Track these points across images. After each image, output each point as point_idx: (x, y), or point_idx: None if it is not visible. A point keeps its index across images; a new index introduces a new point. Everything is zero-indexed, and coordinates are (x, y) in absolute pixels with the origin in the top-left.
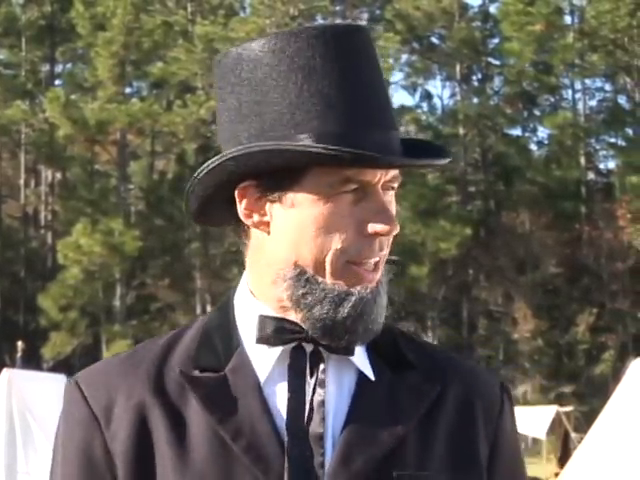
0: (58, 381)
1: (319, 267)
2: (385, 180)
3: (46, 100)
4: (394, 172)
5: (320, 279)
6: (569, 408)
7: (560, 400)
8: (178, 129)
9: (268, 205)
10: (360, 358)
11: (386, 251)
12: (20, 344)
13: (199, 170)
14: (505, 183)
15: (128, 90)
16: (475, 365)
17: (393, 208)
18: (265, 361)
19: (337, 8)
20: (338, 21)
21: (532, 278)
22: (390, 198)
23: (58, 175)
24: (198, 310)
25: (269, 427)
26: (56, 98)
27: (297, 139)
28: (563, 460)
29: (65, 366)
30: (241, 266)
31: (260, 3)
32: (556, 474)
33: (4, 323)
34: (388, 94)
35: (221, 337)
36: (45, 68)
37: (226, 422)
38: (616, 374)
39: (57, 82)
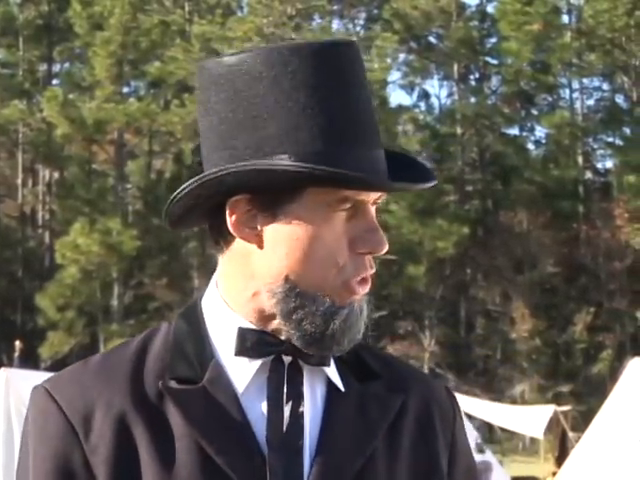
0: None
1: (311, 282)
2: (375, 198)
3: (44, 99)
4: (381, 193)
5: (311, 293)
6: (567, 407)
7: (558, 399)
8: (176, 129)
9: (260, 219)
10: (331, 369)
11: (373, 267)
12: (18, 343)
13: (193, 180)
14: (503, 182)
15: (126, 90)
16: (424, 373)
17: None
18: (243, 373)
19: (335, 7)
20: (335, 21)
21: (530, 277)
22: (374, 213)
23: (56, 174)
24: None
25: (250, 439)
26: (54, 97)
27: (298, 157)
28: (560, 459)
29: (63, 365)
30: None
31: (257, 2)
32: (553, 473)
33: (2, 322)
34: (374, 111)
35: (194, 347)
36: (43, 67)
37: (207, 435)
38: (614, 373)
39: (55, 81)
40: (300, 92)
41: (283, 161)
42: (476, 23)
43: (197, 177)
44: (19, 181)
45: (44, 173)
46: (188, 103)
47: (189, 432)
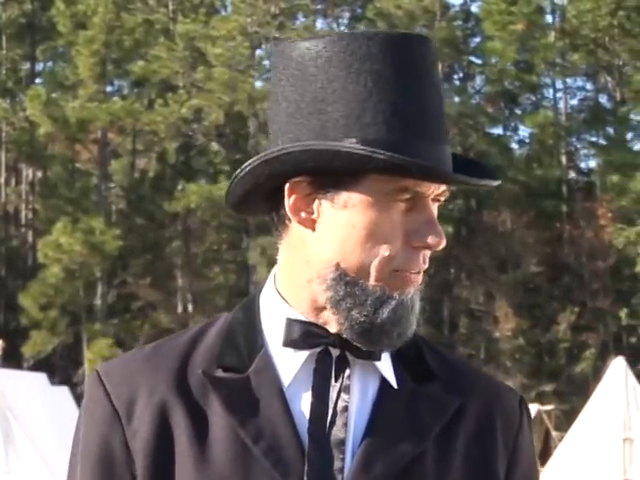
0: (39, 380)
1: (362, 271)
2: (436, 193)
3: (27, 98)
4: (445, 186)
5: (361, 282)
6: (550, 407)
7: (541, 399)
8: (159, 128)
9: (317, 203)
10: (385, 365)
11: (427, 263)
12: (0, 342)
13: (254, 159)
14: (489, 188)
15: (109, 89)
16: (494, 379)
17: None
18: (290, 364)
19: (319, 6)
20: (319, 20)
21: (513, 277)
22: (436, 210)
23: (39, 173)
24: (179, 309)
25: (290, 430)
26: (37, 96)
27: (361, 142)
28: (544, 458)
29: (46, 365)
30: (222, 264)
31: (241, 1)
32: None
33: None
34: (444, 107)
35: (245, 337)
36: (26, 66)
37: (247, 424)
38: (597, 373)
39: (38, 80)
40: (368, 79)
41: (344, 143)
42: (460, 23)
43: (258, 155)
44: (2, 180)
45: (27, 172)
46: (171, 102)
47: (228, 421)
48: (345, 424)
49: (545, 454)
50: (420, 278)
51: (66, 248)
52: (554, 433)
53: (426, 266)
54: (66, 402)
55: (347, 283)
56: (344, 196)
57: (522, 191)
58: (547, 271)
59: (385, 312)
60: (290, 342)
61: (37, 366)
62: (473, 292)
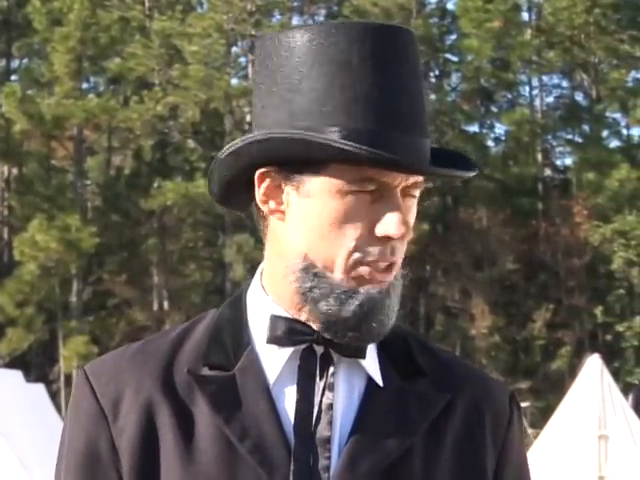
0: (14, 377)
1: (329, 262)
2: (405, 185)
3: (2, 95)
4: (416, 178)
5: (328, 274)
6: (526, 404)
7: (517, 396)
8: (135, 125)
9: (285, 192)
10: (371, 363)
11: (399, 256)
12: None
13: (222, 151)
14: (462, 179)
15: (85, 86)
16: (485, 374)
17: (411, 214)
18: (275, 362)
19: (295, 4)
20: (295, 18)
21: (489, 274)
22: (410, 204)
23: (14, 171)
24: (155, 306)
25: (276, 428)
26: (12, 93)
27: (324, 132)
28: None
29: (21, 362)
30: (198, 262)
31: None
32: None
33: None
34: (424, 101)
35: (232, 334)
36: (1, 63)
37: (232, 422)
38: (572, 370)
39: (13, 77)
40: (332, 68)
41: (302, 132)
42: (436, 20)
43: (227, 146)
44: None
45: (2, 169)
46: (147, 99)
47: (214, 420)
48: (330, 422)
49: None
50: (392, 272)
51: (42, 245)
52: (529, 430)
53: (396, 258)
54: (42, 399)
55: (315, 275)
56: (308, 185)
57: (498, 189)
58: (523, 269)
59: (351, 306)
60: (274, 339)
61: (13, 363)
62: (449, 289)
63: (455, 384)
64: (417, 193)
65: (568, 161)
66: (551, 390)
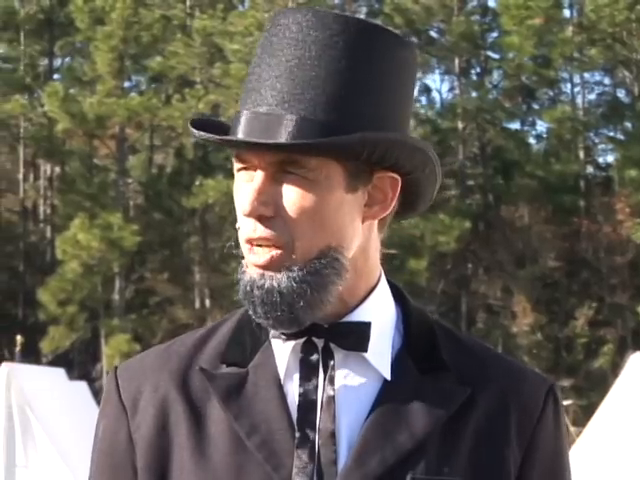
0: (57, 375)
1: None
2: (270, 161)
3: (45, 94)
4: (281, 156)
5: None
6: (568, 402)
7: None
8: (177, 123)
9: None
10: (379, 357)
11: (271, 233)
12: (19, 338)
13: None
14: (504, 177)
15: (127, 84)
16: (521, 366)
17: (290, 193)
18: (283, 357)
19: (336, 1)
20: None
21: (531, 272)
22: (289, 182)
23: (57, 169)
24: (197, 304)
25: (285, 423)
26: (55, 92)
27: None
28: None
29: (64, 360)
30: (239, 260)
31: None
32: None
33: (3, 317)
34: (319, 82)
35: (251, 332)
36: (44, 62)
37: (242, 418)
38: (615, 368)
39: (56, 76)
40: (257, 52)
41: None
42: (477, 17)
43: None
44: (20, 176)
45: (45, 168)
46: (189, 98)
47: (225, 415)
48: (333, 415)
49: None
50: (270, 252)
51: (84, 244)
52: (572, 429)
53: (258, 234)
54: (84, 397)
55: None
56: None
57: (540, 186)
58: (565, 266)
59: (241, 288)
60: (277, 333)
61: (55, 361)
62: (491, 287)
63: (482, 376)
64: (297, 170)
65: (610, 158)
66: (593, 388)
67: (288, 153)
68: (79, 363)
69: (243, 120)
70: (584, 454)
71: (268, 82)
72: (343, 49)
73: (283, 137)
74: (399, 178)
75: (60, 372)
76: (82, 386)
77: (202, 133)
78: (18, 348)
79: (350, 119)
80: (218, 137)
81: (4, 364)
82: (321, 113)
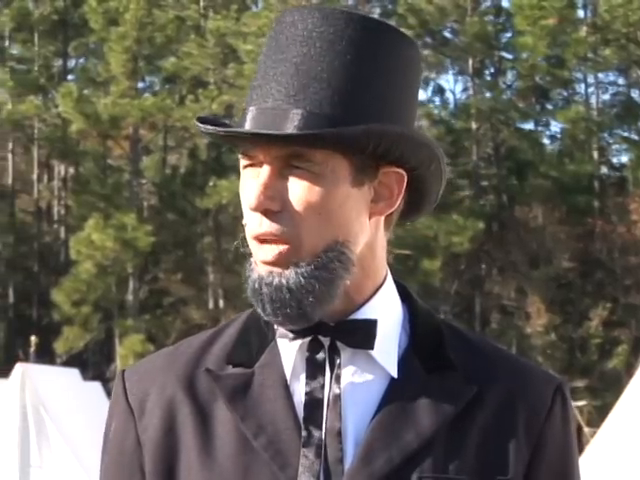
0: (71, 375)
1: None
2: (276, 156)
3: (59, 95)
4: (287, 150)
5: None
6: (582, 402)
7: (573, 394)
8: (190, 124)
9: None
10: (386, 355)
11: (277, 227)
12: (33, 338)
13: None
14: (518, 177)
15: (141, 85)
16: (528, 364)
17: (296, 188)
18: (289, 356)
19: (350, 2)
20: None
21: (545, 272)
22: (294, 177)
23: (71, 170)
24: (211, 304)
25: (291, 423)
26: (69, 93)
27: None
28: None
29: (78, 360)
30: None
31: None
32: None
33: (17, 317)
34: (325, 77)
35: (258, 332)
36: (58, 63)
37: (248, 418)
38: (629, 369)
39: (70, 77)
40: (264, 50)
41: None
42: (491, 18)
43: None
44: (34, 176)
45: (59, 168)
46: (203, 98)
47: (231, 416)
48: (340, 414)
49: (577, 450)
50: (277, 248)
51: (98, 244)
52: (586, 429)
53: (264, 229)
54: (98, 397)
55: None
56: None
57: (554, 186)
58: (579, 267)
59: (249, 286)
60: (283, 333)
61: (70, 362)
62: (505, 288)
63: (489, 375)
64: (308, 166)
65: (624, 159)
66: (608, 389)
67: (294, 146)
68: (93, 363)
69: (249, 116)
70: (599, 455)
71: (274, 78)
72: (348, 44)
73: (289, 130)
74: (405, 174)
75: (74, 372)
76: (96, 386)
77: (208, 127)
78: (32, 348)
79: (355, 113)
80: (224, 129)
81: (18, 364)
82: (327, 107)
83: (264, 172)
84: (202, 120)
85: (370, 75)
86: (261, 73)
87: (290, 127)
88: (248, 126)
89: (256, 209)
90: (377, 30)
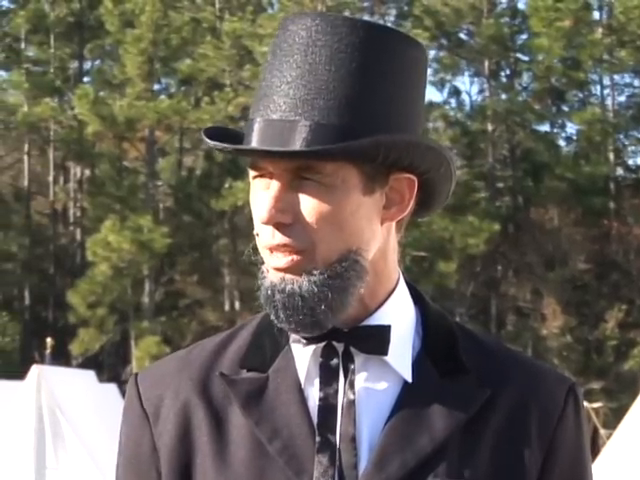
0: (87, 377)
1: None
2: (285, 168)
3: (75, 97)
4: (296, 163)
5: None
6: (598, 404)
7: (589, 396)
8: (206, 126)
9: None
10: (399, 359)
11: (290, 240)
12: (49, 340)
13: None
14: (533, 179)
15: (156, 87)
16: (541, 366)
17: (307, 200)
18: (303, 361)
19: (365, 4)
20: (366, 18)
21: (561, 274)
22: (306, 189)
23: (87, 172)
24: (227, 306)
25: (305, 428)
26: (85, 95)
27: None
28: (592, 457)
29: (94, 362)
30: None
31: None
32: None
33: (33, 319)
34: (331, 86)
35: (271, 336)
36: (74, 65)
37: (263, 423)
38: None
39: (86, 79)
40: (268, 59)
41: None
42: (507, 19)
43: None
44: (50, 178)
45: (75, 170)
46: (218, 100)
47: (245, 421)
48: (354, 419)
49: (593, 452)
50: (290, 257)
51: (114, 246)
52: (602, 431)
53: (277, 241)
54: (114, 399)
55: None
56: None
57: (570, 188)
58: (595, 268)
59: (262, 292)
60: (296, 338)
61: (85, 364)
62: (520, 289)
63: (502, 378)
64: (313, 176)
65: None
66: (624, 390)
67: (304, 159)
68: (109, 365)
69: (256, 128)
70: (615, 457)
71: (279, 88)
72: (353, 52)
73: (298, 144)
74: (415, 179)
75: (90, 374)
76: (112, 388)
77: (217, 143)
78: (48, 350)
79: (363, 121)
80: (232, 146)
81: (34, 366)
82: (334, 117)
83: (274, 185)
84: (209, 132)
85: (376, 80)
86: (266, 82)
87: (298, 140)
88: (255, 138)
89: (268, 222)
90: (381, 34)
